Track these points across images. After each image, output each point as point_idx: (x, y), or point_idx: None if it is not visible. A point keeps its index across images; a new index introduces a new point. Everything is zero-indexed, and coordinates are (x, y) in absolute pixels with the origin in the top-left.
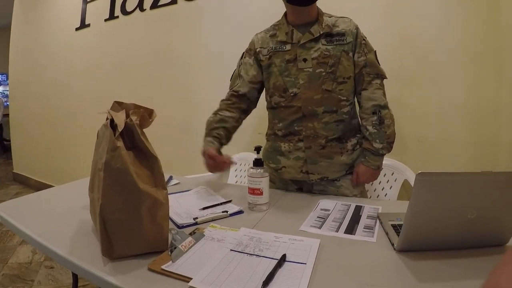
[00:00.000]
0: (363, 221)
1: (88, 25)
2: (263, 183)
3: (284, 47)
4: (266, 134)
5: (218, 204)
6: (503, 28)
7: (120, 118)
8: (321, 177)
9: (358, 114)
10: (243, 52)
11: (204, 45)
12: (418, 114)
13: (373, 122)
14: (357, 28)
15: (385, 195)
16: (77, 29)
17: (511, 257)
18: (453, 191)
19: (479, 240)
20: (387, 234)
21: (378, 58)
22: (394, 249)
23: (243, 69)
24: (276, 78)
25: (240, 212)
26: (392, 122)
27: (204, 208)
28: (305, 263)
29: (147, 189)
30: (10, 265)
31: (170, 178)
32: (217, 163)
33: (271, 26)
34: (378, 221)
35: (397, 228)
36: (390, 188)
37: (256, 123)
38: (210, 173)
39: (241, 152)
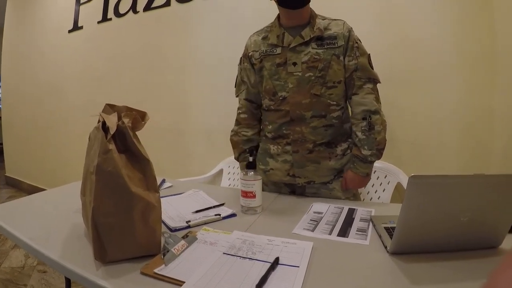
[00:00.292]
0: (356, 223)
1: (81, 27)
2: (256, 186)
3: (275, 50)
4: (260, 135)
5: (211, 207)
6: (496, 33)
7: (112, 121)
8: (307, 181)
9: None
10: (241, 57)
11: (198, 48)
12: (411, 117)
13: (363, 128)
14: (349, 31)
15: (378, 198)
16: (70, 31)
17: (511, 261)
18: (446, 193)
19: (472, 243)
20: (380, 236)
21: (372, 62)
22: (387, 251)
23: (245, 75)
24: (266, 82)
25: (233, 215)
26: (383, 129)
27: (197, 211)
28: (298, 266)
29: (139, 192)
30: (2, 269)
31: (163, 181)
32: None
33: (264, 27)
34: (371, 223)
35: (390, 230)
36: (383, 190)
37: None
38: (203, 176)
39: None
